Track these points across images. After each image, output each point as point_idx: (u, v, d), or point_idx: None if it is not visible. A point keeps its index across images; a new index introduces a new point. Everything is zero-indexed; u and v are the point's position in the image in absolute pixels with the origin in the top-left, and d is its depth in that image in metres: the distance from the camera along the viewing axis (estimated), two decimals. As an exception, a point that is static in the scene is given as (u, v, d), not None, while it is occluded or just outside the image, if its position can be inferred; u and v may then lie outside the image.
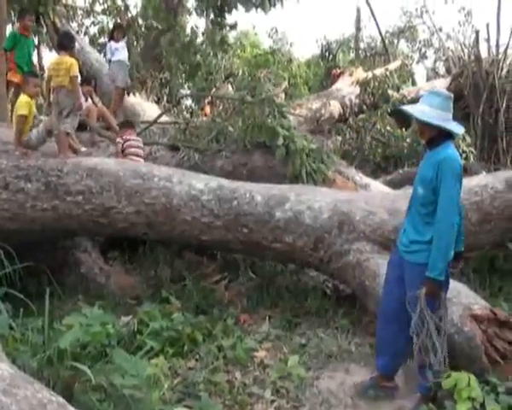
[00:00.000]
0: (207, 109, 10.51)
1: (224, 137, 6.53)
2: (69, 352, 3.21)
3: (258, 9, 8.18)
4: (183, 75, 9.33)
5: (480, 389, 2.89)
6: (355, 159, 8.78)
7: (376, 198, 4.72)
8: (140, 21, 11.01)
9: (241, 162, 6.38)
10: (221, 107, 8.42)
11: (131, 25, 10.43)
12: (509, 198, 4.36)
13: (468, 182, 4.63)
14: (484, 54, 10.20)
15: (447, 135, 2.98)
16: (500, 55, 9.79)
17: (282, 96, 9.79)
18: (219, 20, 8.60)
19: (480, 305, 3.37)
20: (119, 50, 7.84)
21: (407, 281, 3.08)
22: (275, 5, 8.00)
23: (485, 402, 2.79)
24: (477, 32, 10.47)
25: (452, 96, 3.06)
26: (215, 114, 7.96)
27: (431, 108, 2.93)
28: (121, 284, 5.26)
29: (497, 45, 10.20)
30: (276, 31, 17.61)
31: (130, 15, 11.15)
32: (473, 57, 10.13)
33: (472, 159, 8.09)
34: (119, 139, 5.99)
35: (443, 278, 2.92)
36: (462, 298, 3.42)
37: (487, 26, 10.26)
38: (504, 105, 9.13)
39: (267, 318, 4.57)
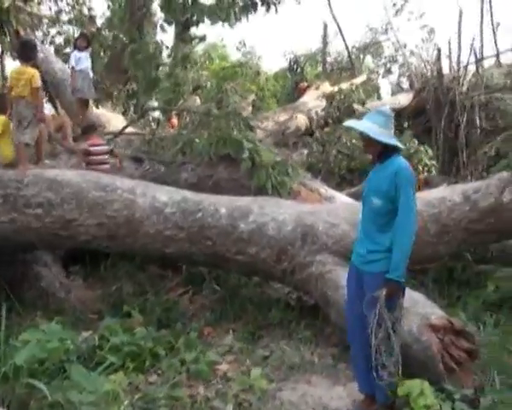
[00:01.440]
0: (174, 121, 10.48)
1: (190, 150, 6.51)
2: (25, 368, 3.15)
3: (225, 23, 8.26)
4: (145, 88, 9.26)
5: (437, 396, 2.94)
6: (321, 171, 8.87)
7: (339, 210, 4.79)
8: (106, 32, 10.91)
9: (207, 174, 6.38)
10: (187, 119, 8.40)
11: (96, 35, 10.33)
12: (465, 210, 4.48)
13: (428, 195, 4.75)
14: (446, 70, 10.49)
15: (393, 149, 3.15)
16: (460, 72, 10.07)
17: (250, 108, 9.87)
18: (184, 35, 8.64)
19: (437, 315, 3.43)
20: (82, 60, 7.76)
21: (367, 291, 3.11)
22: (240, 19, 8.05)
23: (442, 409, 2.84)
24: (438, 49, 10.77)
25: (393, 114, 3.27)
26: (181, 126, 7.95)
27: (377, 126, 3.10)
28: (82, 299, 5.17)
29: (458, 62, 10.51)
30: (244, 44, 17.77)
31: (96, 26, 11.05)
32: (434, 73, 10.40)
33: (434, 172, 8.28)
34: (84, 145, 5.97)
35: (404, 280, 3.01)
36: (420, 308, 3.48)
37: (449, 42, 10.58)
38: (464, 120, 9.38)
39: (230, 331, 4.55)
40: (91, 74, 7.94)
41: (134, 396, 3.43)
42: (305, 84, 12.88)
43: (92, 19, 11.83)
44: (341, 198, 6.40)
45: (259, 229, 4.59)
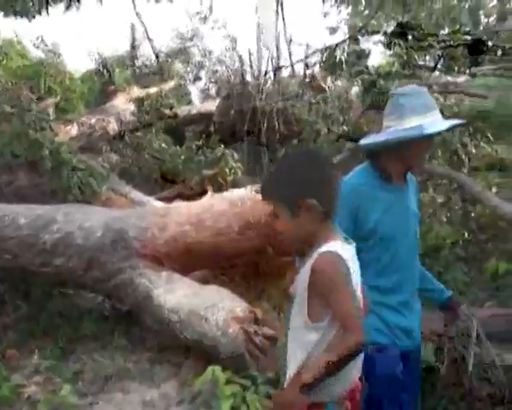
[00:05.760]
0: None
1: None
2: None
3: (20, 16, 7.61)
4: None
5: (243, 382, 3.17)
6: (134, 176, 8.77)
7: (147, 214, 4.80)
8: None
9: (5, 182, 5.86)
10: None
11: None
12: (265, 207, 4.85)
13: (231, 195, 5.05)
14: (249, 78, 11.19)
15: None
16: (260, 80, 10.86)
17: (52, 110, 9.30)
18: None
19: (242, 307, 3.69)
20: None
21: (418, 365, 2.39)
22: (40, 13, 7.48)
23: (246, 395, 3.06)
24: (240, 57, 11.49)
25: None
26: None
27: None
28: None
29: (259, 71, 11.32)
30: (43, 40, 16.44)
31: None
32: (238, 81, 11.04)
33: (240, 174, 8.76)
34: None
35: None
36: (227, 303, 3.71)
37: (249, 52, 11.34)
38: (265, 125, 10.13)
39: (37, 349, 4.25)
40: None
41: None
42: (114, 87, 12.56)
43: None
44: (152, 202, 6.44)
45: (65, 238, 4.38)
